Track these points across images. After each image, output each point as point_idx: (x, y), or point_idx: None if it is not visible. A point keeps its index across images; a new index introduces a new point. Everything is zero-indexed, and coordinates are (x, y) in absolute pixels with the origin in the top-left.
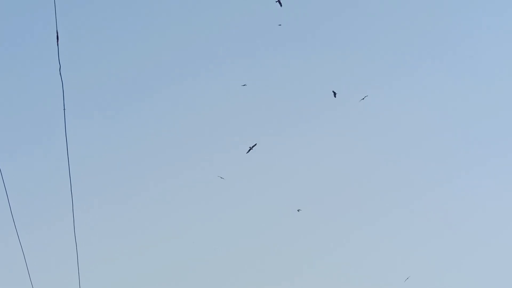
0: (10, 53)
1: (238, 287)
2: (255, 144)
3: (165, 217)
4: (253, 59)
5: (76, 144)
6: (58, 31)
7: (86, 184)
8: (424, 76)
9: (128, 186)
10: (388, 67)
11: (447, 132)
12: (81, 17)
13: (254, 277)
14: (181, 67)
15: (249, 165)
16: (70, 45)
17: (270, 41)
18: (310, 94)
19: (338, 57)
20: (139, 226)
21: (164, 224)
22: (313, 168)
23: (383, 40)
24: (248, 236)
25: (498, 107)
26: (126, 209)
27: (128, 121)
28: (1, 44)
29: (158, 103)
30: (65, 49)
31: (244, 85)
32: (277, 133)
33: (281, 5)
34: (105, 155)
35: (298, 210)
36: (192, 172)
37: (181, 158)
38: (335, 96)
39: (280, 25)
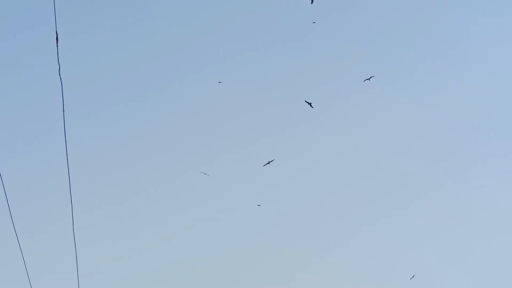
0: (10, 54)
1: (238, 287)
2: (273, 160)
3: (165, 217)
4: (252, 58)
5: (76, 145)
6: (57, 31)
7: (86, 184)
8: (424, 76)
9: (128, 186)
10: (388, 66)
11: (447, 132)
12: (80, 18)
13: (254, 277)
14: (181, 67)
15: (249, 165)
16: (70, 46)
17: (270, 41)
18: (310, 94)
19: (338, 57)
20: (139, 226)
21: (164, 224)
22: (313, 168)
23: (383, 39)
24: (248, 236)
25: (498, 107)
26: (126, 209)
27: (127, 121)
28: (1, 44)
29: (157, 103)
30: (64, 50)
31: (220, 82)
32: (277, 133)
33: (312, 2)
34: (104, 155)
35: (258, 205)
36: (192, 172)
37: (181, 158)
38: (312, 107)
39: (314, 22)
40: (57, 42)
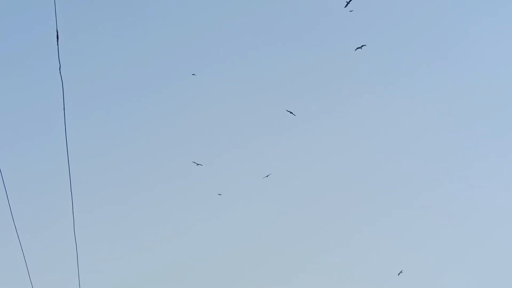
0: (10, 53)
1: (238, 287)
2: (271, 174)
3: (165, 217)
4: (252, 58)
5: (76, 144)
6: (58, 30)
7: (86, 183)
8: (424, 76)
9: (128, 186)
10: (388, 67)
11: (447, 132)
12: (81, 17)
13: (254, 277)
14: (181, 66)
15: (249, 165)
16: (70, 45)
17: (270, 40)
18: (310, 94)
19: (338, 58)
20: (139, 226)
21: (164, 224)
22: (313, 168)
23: (383, 40)
24: (248, 236)
25: (498, 107)
26: (126, 209)
27: (128, 120)
28: (2, 44)
29: (158, 102)
30: (65, 49)
31: (193, 74)
32: (277, 133)
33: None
34: (104, 154)
35: (219, 194)
36: (192, 172)
37: (181, 157)
38: (294, 115)
39: (351, 11)
40: (57, 41)
